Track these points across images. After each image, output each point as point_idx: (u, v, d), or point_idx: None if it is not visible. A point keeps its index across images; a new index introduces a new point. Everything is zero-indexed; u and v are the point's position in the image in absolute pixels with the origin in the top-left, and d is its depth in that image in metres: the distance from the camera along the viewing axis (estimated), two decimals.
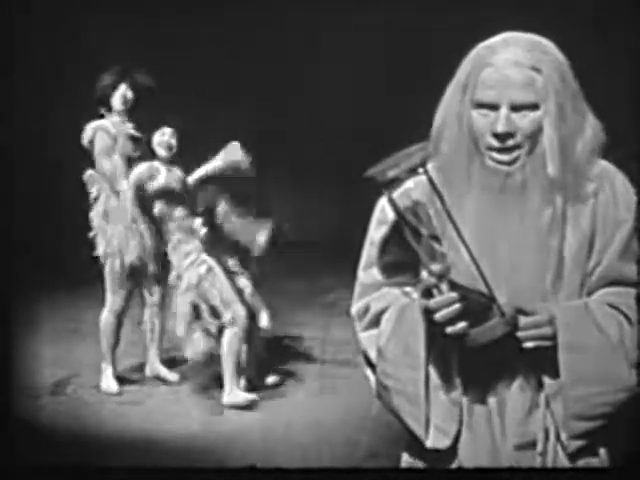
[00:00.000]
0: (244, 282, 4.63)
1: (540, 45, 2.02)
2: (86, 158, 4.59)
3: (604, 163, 2.10)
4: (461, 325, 1.93)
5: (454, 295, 1.92)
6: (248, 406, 4.46)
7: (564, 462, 2.07)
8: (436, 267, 1.93)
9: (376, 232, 2.13)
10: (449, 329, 1.93)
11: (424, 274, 1.96)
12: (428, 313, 1.96)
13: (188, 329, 4.52)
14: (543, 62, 1.99)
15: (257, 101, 7.05)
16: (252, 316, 4.57)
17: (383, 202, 2.08)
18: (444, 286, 1.93)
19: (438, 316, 1.92)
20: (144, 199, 4.60)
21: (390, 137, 2.40)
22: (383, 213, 2.10)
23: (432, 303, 1.93)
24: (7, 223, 2.67)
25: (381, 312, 2.12)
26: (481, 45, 2.02)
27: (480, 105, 1.98)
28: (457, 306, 1.92)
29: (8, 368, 2.75)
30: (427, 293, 1.95)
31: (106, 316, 4.75)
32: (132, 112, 4.63)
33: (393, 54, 6.59)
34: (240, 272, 4.63)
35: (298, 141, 7.04)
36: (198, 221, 4.61)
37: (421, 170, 1.93)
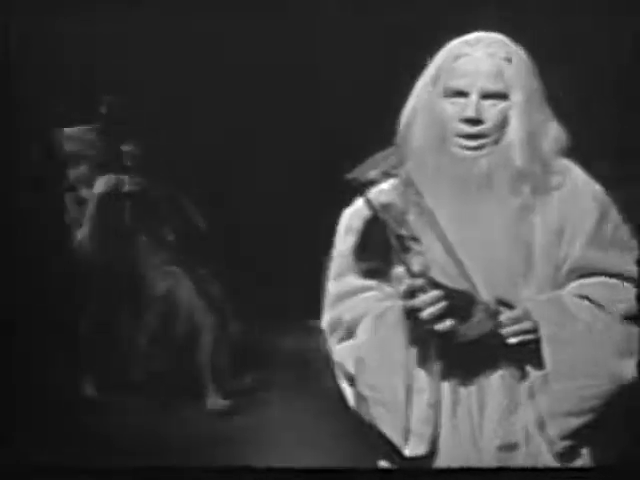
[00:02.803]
0: (215, 290, 4.65)
1: (510, 42, 2.08)
2: None
3: (564, 159, 2.14)
4: (449, 322, 1.94)
5: (439, 293, 1.94)
6: (228, 412, 4.48)
7: (549, 462, 2.09)
8: (417, 267, 1.95)
9: (345, 241, 2.14)
10: (438, 326, 1.94)
11: (403, 274, 1.98)
12: (411, 314, 1.98)
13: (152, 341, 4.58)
14: (513, 55, 2.04)
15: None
16: (223, 323, 4.61)
17: (349, 211, 2.12)
18: (426, 285, 1.95)
19: (425, 314, 1.93)
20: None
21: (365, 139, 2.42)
22: (351, 222, 2.12)
23: (418, 302, 1.94)
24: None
25: (356, 322, 2.12)
26: (456, 40, 2.07)
27: (451, 93, 2.03)
28: (442, 304, 1.93)
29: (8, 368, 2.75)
30: (409, 294, 1.96)
31: None
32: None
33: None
34: (211, 281, 4.66)
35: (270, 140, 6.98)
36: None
37: (396, 171, 1.96)
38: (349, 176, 1.95)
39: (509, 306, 2.02)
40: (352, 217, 2.11)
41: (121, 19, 3.54)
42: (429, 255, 1.96)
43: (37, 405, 4.19)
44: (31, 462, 2.79)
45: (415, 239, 1.95)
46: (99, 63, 4.39)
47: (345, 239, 2.13)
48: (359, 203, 1.99)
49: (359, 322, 2.10)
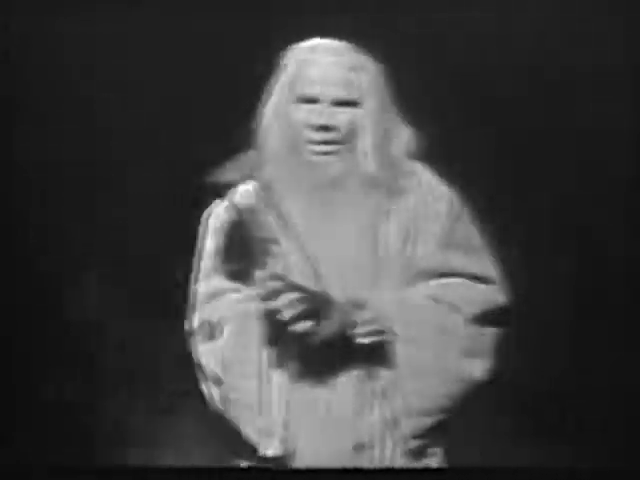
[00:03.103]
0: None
1: (357, 50, 2.18)
2: None
3: (415, 162, 2.17)
4: (305, 324, 1.98)
5: (296, 295, 1.97)
6: None
7: (401, 461, 2.12)
8: (276, 270, 1.98)
9: (210, 241, 2.15)
10: (296, 327, 1.97)
11: (263, 277, 2.00)
12: (271, 315, 2.00)
13: None
14: (362, 65, 2.13)
15: None
16: None
17: (213, 211, 2.13)
18: (285, 287, 1.98)
19: (283, 317, 1.97)
20: None
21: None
22: (214, 224, 2.14)
23: (277, 304, 1.97)
24: None
25: (221, 323, 2.13)
26: (303, 45, 2.10)
27: (303, 100, 2.07)
28: (300, 306, 1.97)
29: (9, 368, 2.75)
30: (269, 296, 1.99)
31: None
32: None
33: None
34: None
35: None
36: None
37: (254, 174, 1.99)
38: (210, 178, 1.98)
39: (362, 307, 2.06)
40: (215, 218, 2.14)
41: (121, 19, 3.53)
42: (288, 257, 2.00)
43: (37, 405, 4.18)
44: (31, 462, 2.79)
45: (274, 242, 2.00)
46: (99, 63, 4.39)
47: (210, 240, 2.15)
48: (222, 204, 2.02)
49: (224, 323, 2.12)
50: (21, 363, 3.20)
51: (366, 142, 2.11)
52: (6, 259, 3.15)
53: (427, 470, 2.18)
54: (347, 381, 2.13)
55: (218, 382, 2.18)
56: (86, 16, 3.53)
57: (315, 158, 2.08)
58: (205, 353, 2.19)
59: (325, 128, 2.07)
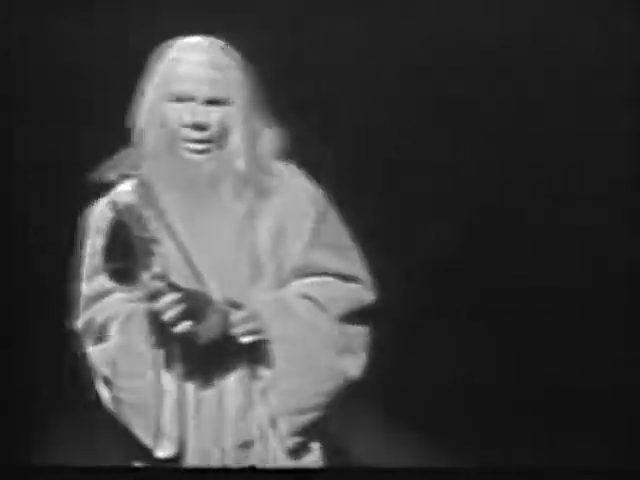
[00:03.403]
0: None
1: (226, 49, 2.11)
2: None
3: (283, 162, 2.19)
4: (186, 325, 1.98)
5: (177, 296, 1.97)
6: None
7: (283, 459, 2.13)
8: (156, 270, 1.97)
9: (92, 241, 2.15)
10: (176, 329, 1.97)
11: (146, 278, 2.00)
12: (154, 317, 2.00)
13: None
14: (231, 64, 2.17)
15: None
16: None
17: (97, 209, 2.13)
18: (167, 288, 1.98)
19: (165, 317, 1.98)
20: None
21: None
22: (98, 222, 2.14)
23: (159, 305, 1.97)
24: None
25: (108, 324, 2.13)
26: (174, 43, 2.10)
27: (176, 98, 2.07)
28: (181, 306, 1.97)
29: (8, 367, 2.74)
30: (153, 296, 1.99)
31: None
32: None
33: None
34: None
35: None
36: None
37: (133, 172, 1.98)
38: (91, 177, 1.97)
39: (239, 306, 2.07)
40: (97, 217, 2.13)
41: (122, 19, 3.53)
42: (168, 257, 2.00)
43: (37, 405, 4.18)
44: (31, 462, 2.79)
45: (155, 241, 1.99)
46: (99, 63, 4.39)
47: (93, 239, 2.15)
48: (102, 204, 2.03)
49: (110, 324, 2.12)
50: (21, 363, 3.20)
51: (236, 140, 2.13)
52: (6, 259, 3.14)
53: (307, 470, 2.20)
54: (232, 381, 2.14)
55: (107, 382, 2.17)
56: (86, 16, 3.53)
57: (190, 156, 2.10)
58: (93, 353, 2.18)
59: (198, 126, 2.09)
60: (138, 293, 2.09)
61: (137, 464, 2.20)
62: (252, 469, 2.25)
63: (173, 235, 2.03)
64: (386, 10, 3.47)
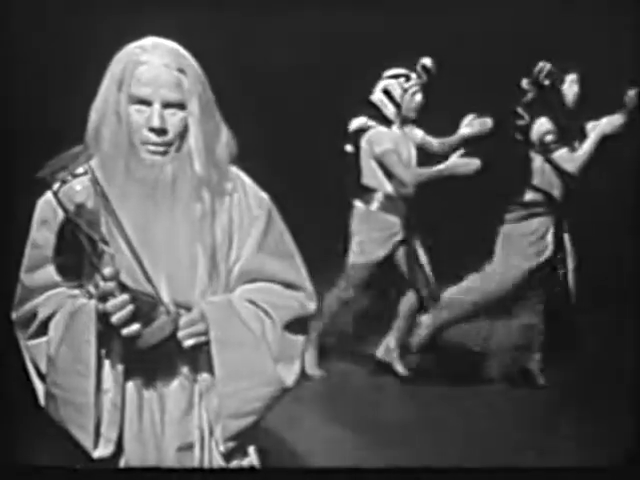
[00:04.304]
0: None
1: (182, 52, 2.16)
2: None
3: (234, 167, 2.22)
4: (134, 327, 1.98)
5: (126, 297, 1.97)
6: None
7: (220, 462, 2.14)
8: (107, 270, 1.96)
9: (39, 233, 2.14)
10: (124, 331, 1.97)
11: (97, 278, 1.99)
12: (104, 316, 1.99)
13: None
14: (187, 67, 2.12)
15: None
16: None
17: (42, 201, 2.13)
18: (116, 289, 1.97)
19: (114, 319, 1.97)
20: None
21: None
22: (44, 214, 2.13)
23: (109, 306, 1.97)
24: None
25: (49, 318, 2.12)
26: (132, 45, 2.11)
27: (135, 101, 2.07)
28: (130, 308, 1.97)
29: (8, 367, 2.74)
30: (103, 297, 1.98)
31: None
32: None
33: None
34: None
35: None
36: None
37: (85, 170, 1.97)
38: (40, 174, 1.96)
39: (188, 309, 2.07)
40: (45, 210, 2.12)
41: (122, 19, 3.54)
42: (118, 258, 2.00)
43: (37, 405, 4.16)
44: (31, 462, 2.79)
45: (106, 242, 1.98)
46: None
47: (39, 230, 2.14)
48: (52, 199, 2.02)
49: (51, 318, 2.11)
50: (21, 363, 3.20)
51: (193, 143, 2.13)
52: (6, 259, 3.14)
53: (244, 470, 2.21)
54: (174, 383, 2.14)
55: (42, 378, 2.17)
56: (86, 16, 3.54)
57: (148, 158, 2.08)
58: (30, 347, 2.17)
59: (157, 129, 2.08)
60: (84, 290, 2.08)
61: (76, 464, 2.18)
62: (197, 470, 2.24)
63: (124, 236, 2.02)
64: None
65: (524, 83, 4.60)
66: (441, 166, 4.55)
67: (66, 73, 2.48)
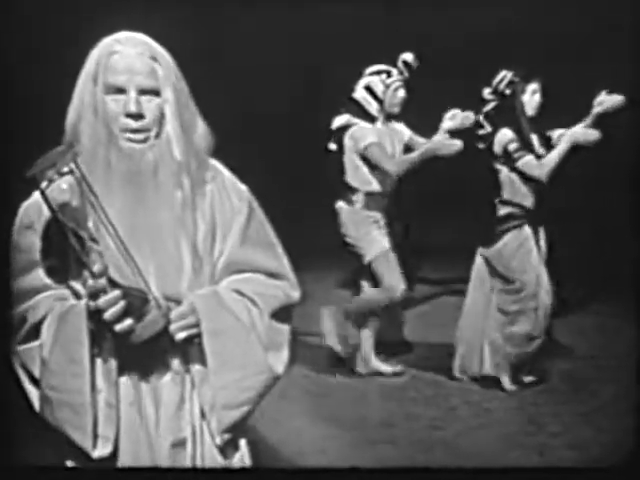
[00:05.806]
0: None
1: (155, 43, 2.18)
2: None
3: (213, 160, 2.24)
4: (128, 322, 1.98)
5: (118, 293, 1.96)
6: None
7: (216, 457, 2.14)
8: (97, 267, 1.96)
9: (26, 237, 2.13)
10: (117, 327, 1.97)
11: (86, 275, 1.99)
12: (95, 314, 1.99)
13: None
14: (160, 56, 2.15)
15: None
16: None
17: (26, 205, 2.12)
18: (107, 285, 1.97)
19: (107, 315, 1.97)
20: None
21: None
22: (29, 218, 2.12)
23: (101, 303, 1.97)
24: None
25: (39, 322, 2.11)
26: (106, 38, 2.13)
27: (111, 90, 2.09)
28: (122, 303, 1.97)
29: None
30: (94, 294, 1.98)
31: None
32: None
33: None
34: None
35: None
36: None
37: (71, 168, 1.97)
38: (27, 174, 1.96)
39: (178, 302, 2.08)
40: (30, 213, 2.12)
41: (122, 19, 3.54)
42: (107, 254, 2.00)
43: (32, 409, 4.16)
44: (31, 462, 2.78)
45: (94, 239, 1.98)
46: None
47: (25, 234, 2.14)
48: (37, 200, 2.02)
49: (42, 322, 2.10)
50: None
51: (171, 129, 2.15)
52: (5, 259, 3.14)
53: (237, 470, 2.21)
54: (166, 378, 2.14)
55: (35, 383, 2.16)
56: (86, 16, 3.54)
57: (127, 146, 2.09)
58: (20, 352, 2.16)
59: (134, 116, 2.09)
60: (73, 290, 2.08)
61: (70, 464, 2.17)
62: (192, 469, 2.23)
63: (112, 231, 2.02)
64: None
65: (485, 93, 4.63)
66: (422, 149, 4.58)
67: (64, 73, 2.48)
